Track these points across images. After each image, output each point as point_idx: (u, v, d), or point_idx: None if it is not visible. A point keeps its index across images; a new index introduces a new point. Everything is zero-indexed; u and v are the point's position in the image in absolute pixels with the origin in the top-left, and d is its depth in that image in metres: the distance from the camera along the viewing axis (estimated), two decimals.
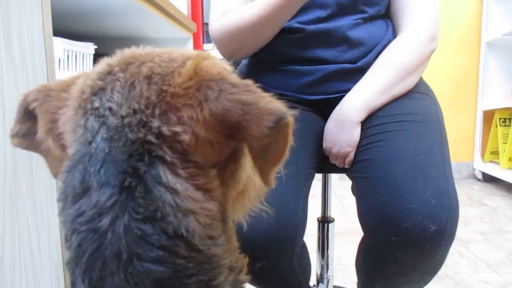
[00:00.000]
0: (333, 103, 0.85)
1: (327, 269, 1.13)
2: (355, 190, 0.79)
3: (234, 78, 0.37)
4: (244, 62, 1.04)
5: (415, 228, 0.65)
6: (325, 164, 0.89)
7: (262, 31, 0.85)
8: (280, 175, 0.75)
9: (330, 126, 0.84)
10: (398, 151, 0.73)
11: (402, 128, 0.78)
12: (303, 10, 0.86)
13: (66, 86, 0.42)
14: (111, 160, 0.35)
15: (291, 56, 0.88)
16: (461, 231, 1.99)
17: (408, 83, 0.85)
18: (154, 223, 0.34)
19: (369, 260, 0.80)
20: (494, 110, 2.85)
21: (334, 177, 0.85)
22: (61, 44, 0.69)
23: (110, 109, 0.36)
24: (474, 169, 3.01)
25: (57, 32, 0.74)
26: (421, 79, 0.92)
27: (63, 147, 0.40)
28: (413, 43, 0.84)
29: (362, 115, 0.81)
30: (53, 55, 0.59)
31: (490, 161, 2.95)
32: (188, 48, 1.77)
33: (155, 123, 0.35)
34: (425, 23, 0.86)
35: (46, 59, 0.59)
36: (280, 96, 0.91)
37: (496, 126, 2.85)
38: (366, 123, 0.82)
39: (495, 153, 2.91)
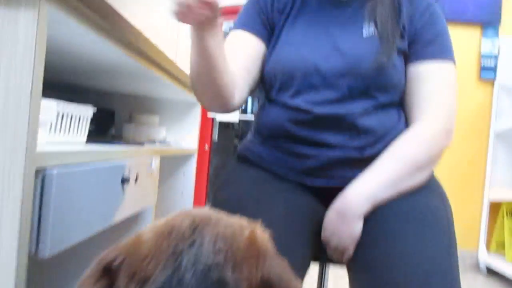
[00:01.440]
0: (337, 192, 0.80)
1: None
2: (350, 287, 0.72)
3: (279, 256, 0.50)
4: (249, 137, 1.00)
5: None
6: (322, 254, 0.83)
7: (198, 67, 0.78)
8: None
9: (331, 216, 0.78)
10: (401, 254, 0.68)
11: (407, 227, 0.73)
12: (312, 89, 0.83)
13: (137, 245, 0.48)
14: None
15: (297, 136, 0.84)
16: None
17: (418, 179, 0.80)
18: None
19: None
20: (501, 202, 2.78)
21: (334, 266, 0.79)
22: (54, 107, 0.65)
23: (196, 256, 0.45)
24: (478, 260, 2.88)
25: (52, 85, 0.71)
26: (432, 174, 0.88)
27: None
28: (426, 137, 0.81)
29: (366, 208, 0.76)
30: (38, 120, 0.56)
31: (496, 252, 2.83)
32: (196, 112, 1.75)
33: (227, 272, 0.45)
34: (440, 116, 0.82)
35: (28, 123, 0.55)
36: (283, 180, 0.86)
37: (503, 218, 2.77)
38: (370, 218, 0.76)
39: (501, 244, 2.80)
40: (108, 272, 0.47)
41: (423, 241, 0.70)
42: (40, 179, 0.64)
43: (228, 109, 0.89)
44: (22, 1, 0.59)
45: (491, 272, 2.78)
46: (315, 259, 0.88)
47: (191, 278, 0.44)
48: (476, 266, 2.90)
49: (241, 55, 0.89)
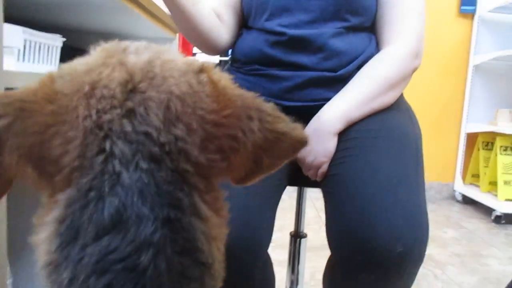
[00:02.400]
0: (312, 112, 0.82)
1: (297, 284, 1.09)
2: (324, 205, 0.76)
3: (265, 104, 0.39)
4: (227, 67, 1.01)
5: (381, 248, 0.63)
6: (298, 176, 0.86)
7: (177, 23, 0.89)
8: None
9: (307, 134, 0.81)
10: (370, 168, 0.71)
11: (377, 144, 0.76)
12: (286, 11, 0.84)
13: (47, 96, 0.34)
14: (151, 192, 0.31)
15: (271, 59, 0.85)
16: (438, 252, 1.97)
17: (389, 97, 0.83)
18: (192, 255, 0.33)
19: (335, 279, 0.77)
20: (478, 133, 2.87)
21: (314, 190, 0.83)
22: (20, 33, 0.64)
23: (146, 134, 0.32)
24: (454, 190, 3.01)
25: (22, 22, 0.70)
26: (402, 98, 0.91)
27: (48, 174, 0.33)
28: (397, 57, 0.83)
29: (340, 126, 0.79)
30: (2, 44, 0.55)
31: (471, 184, 2.96)
32: (173, 49, 1.74)
33: (195, 152, 0.34)
34: (410, 39, 0.84)
35: None
36: None
37: (479, 150, 2.87)
38: (342, 136, 0.79)
39: (476, 176, 2.92)
40: None
41: (391, 156, 0.73)
42: None
43: (220, 51, 0.96)
44: None
45: (467, 201, 2.92)
46: (292, 183, 0.92)
47: (132, 176, 0.31)
48: (453, 197, 3.04)
49: None
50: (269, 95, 0.86)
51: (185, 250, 0.32)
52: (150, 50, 0.38)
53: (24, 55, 0.68)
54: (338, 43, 0.84)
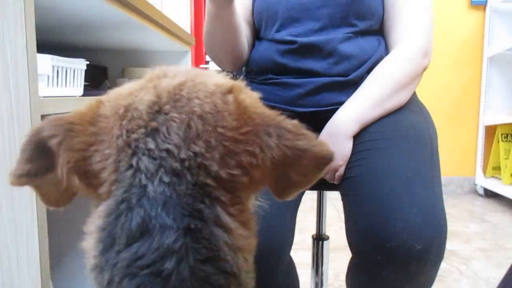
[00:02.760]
0: (326, 116, 0.85)
1: (322, 285, 1.11)
2: (343, 207, 0.78)
3: (286, 121, 0.39)
4: (239, 78, 1.05)
5: (400, 247, 0.64)
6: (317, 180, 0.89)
7: (216, 34, 0.90)
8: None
9: (322, 138, 0.83)
10: (386, 169, 0.73)
11: (392, 144, 0.77)
12: (296, 21, 0.87)
13: (91, 119, 0.39)
14: (173, 204, 0.34)
15: (283, 68, 0.88)
16: (462, 247, 1.96)
17: (401, 98, 0.84)
18: (214, 263, 0.35)
19: (357, 278, 0.79)
20: (496, 125, 2.84)
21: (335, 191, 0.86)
22: (49, 61, 0.68)
23: (167, 151, 0.35)
24: (475, 184, 2.98)
25: (46, 45, 0.74)
26: (414, 96, 0.92)
27: (93, 186, 0.38)
28: (406, 58, 0.84)
29: (354, 129, 0.81)
30: (37, 72, 0.59)
31: (492, 177, 2.93)
32: (187, 62, 1.78)
33: (215, 167, 0.36)
34: (418, 38, 0.86)
35: (28, 76, 0.59)
36: (271, 108, 0.92)
37: (498, 142, 2.83)
38: (358, 139, 0.81)
39: (497, 168, 2.89)
40: (44, 151, 0.38)
41: (406, 155, 0.75)
42: None
43: (242, 64, 1.00)
44: None
45: (490, 195, 2.89)
46: (312, 187, 0.94)
47: (156, 189, 0.35)
48: (474, 191, 3.01)
49: (239, 8, 0.93)
50: (283, 103, 0.89)
51: (207, 258, 0.34)
52: (186, 74, 0.41)
53: (52, 80, 0.72)
54: (348, 48, 0.86)
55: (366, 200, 0.70)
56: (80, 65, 0.83)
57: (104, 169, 0.37)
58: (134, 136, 0.36)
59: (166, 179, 0.35)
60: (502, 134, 2.82)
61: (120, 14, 0.98)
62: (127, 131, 0.37)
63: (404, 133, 0.79)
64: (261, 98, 0.88)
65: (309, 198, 0.84)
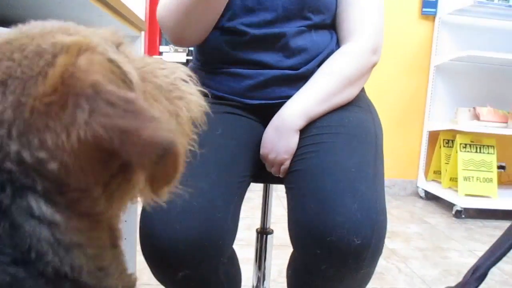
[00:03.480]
0: (275, 110, 0.83)
1: (263, 280, 1.10)
2: (287, 200, 0.77)
3: (113, 91, 0.28)
4: (190, 65, 1.01)
5: (339, 241, 0.64)
6: (262, 173, 0.87)
7: (197, 13, 0.83)
8: (211, 179, 0.72)
9: (269, 132, 0.82)
10: (330, 163, 0.73)
11: (337, 140, 0.78)
12: (250, 11, 0.84)
13: None
14: None
15: (234, 58, 0.86)
16: (402, 247, 2.03)
17: (349, 94, 0.85)
18: (28, 265, 0.28)
19: (296, 273, 0.79)
20: (439, 131, 2.97)
21: (283, 187, 0.84)
22: None
23: None
24: (417, 187, 3.11)
25: None
26: (363, 94, 0.93)
27: None
28: (355, 54, 0.85)
29: (301, 123, 0.80)
30: None
31: (433, 180, 3.06)
32: (137, 49, 1.72)
33: (14, 147, 0.28)
34: (368, 35, 0.86)
35: None
36: (222, 100, 0.89)
37: (440, 147, 2.97)
38: (304, 133, 0.81)
39: (438, 172, 3.03)
40: None
41: (351, 152, 0.75)
42: None
43: (194, 43, 0.92)
44: None
45: (430, 197, 3.02)
46: (257, 180, 0.93)
47: None
48: (416, 193, 3.13)
49: None
50: (233, 93, 0.87)
51: (16, 259, 0.28)
52: (38, 30, 0.33)
53: None
54: (301, 41, 0.85)
55: (308, 194, 0.70)
56: None
57: None
58: None
59: None
60: (444, 140, 2.95)
61: None
62: None
63: (350, 129, 0.80)
64: (212, 88, 0.86)
65: (258, 195, 0.83)
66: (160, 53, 3.02)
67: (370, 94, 0.95)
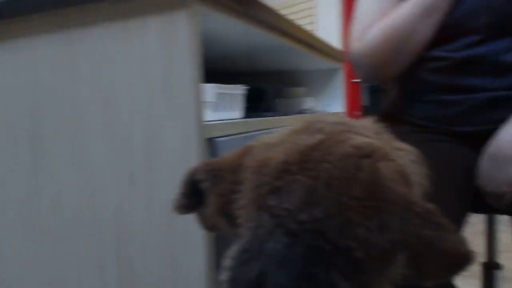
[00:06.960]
0: (488, 135, 0.76)
1: None
2: None
3: (418, 203, 0.34)
4: (392, 94, 1.00)
5: None
6: (481, 202, 0.80)
7: (416, 30, 0.79)
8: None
9: (484, 161, 0.74)
10: None
11: None
12: (450, 39, 0.79)
13: (234, 167, 0.43)
14: (287, 264, 0.34)
15: (437, 85, 0.81)
16: None
17: None
18: None
19: None
20: None
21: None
22: (214, 89, 0.79)
23: (287, 211, 0.36)
24: None
25: (212, 72, 0.84)
26: None
27: (236, 225, 0.41)
28: None
29: None
30: (203, 100, 0.70)
31: None
32: (339, 79, 1.78)
33: (332, 234, 0.34)
34: None
35: (195, 105, 0.70)
36: (428, 128, 0.86)
37: None
38: None
39: None
40: (198, 190, 0.44)
41: None
42: (210, 146, 0.77)
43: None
44: (175, 4, 0.71)
45: None
46: (477, 210, 0.85)
47: (274, 246, 0.35)
48: None
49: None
50: (439, 121, 0.83)
51: None
52: (330, 129, 0.41)
53: (216, 106, 0.82)
54: (510, 58, 0.75)
55: None
56: (238, 90, 0.94)
57: (240, 217, 0.40)
58: (260, 191, 0.38)
59: (283, 238, 0.35)
60: None
61: (275, 40, 1.05)
62: (257, 186, 0.38)
63: None
64: (416, 117, 0.83)
65: (480, 219, 0.75)
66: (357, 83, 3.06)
67: None
